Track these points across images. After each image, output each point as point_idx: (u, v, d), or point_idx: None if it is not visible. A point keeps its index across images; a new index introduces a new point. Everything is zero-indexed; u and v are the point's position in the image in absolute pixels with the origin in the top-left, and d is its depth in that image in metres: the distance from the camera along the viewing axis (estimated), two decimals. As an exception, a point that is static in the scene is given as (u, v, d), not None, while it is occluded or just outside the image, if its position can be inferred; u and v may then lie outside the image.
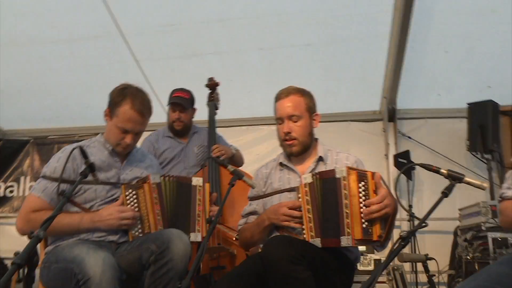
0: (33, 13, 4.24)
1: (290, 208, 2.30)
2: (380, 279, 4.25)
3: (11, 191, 5.90)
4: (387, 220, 2.17)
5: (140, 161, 2.67)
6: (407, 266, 4.49)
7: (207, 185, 2.59)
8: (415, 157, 4.71)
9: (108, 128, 2.53)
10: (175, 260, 2.14)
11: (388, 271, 4.25)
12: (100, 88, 4.75)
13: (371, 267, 4.25)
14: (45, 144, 5.89)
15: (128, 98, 2.43)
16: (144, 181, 2.45)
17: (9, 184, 5.92)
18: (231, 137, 4.17)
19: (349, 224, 2.14)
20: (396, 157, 4.81)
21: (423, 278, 4.15)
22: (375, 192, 2.17)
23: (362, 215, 2.13)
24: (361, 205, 2.14)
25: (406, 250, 4.43)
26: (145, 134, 4.00)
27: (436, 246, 4.51)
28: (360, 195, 2.15)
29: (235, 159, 3.69)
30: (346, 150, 2.59)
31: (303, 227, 2.25)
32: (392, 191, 2.23)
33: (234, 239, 3.09)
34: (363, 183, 2.16)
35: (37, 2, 4.15)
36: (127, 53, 4.66)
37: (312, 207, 2.24)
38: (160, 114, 5.40)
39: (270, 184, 2.56)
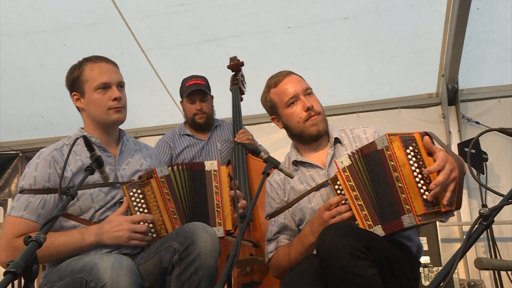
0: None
1: (330, 207, 2.17)
2: (456, 296, 4.11)
3: (-4, 218, 5.34)
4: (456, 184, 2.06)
5: (135, 149, 2.55)
6: (487, 283, 4.16)
7: (223, 168, 2.45)
8: (486, 147, 4.38)
9: (88, 104, 2.39)
10: (203, 255, 2.03)
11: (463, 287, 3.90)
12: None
13: (439, 282, 3.83)
14: (38, 159, 5.46)
15: (85, 60, 2.41)
16: (149, 176, 2.34)
17: (-7, 209, 5.42)
18: (258, 137, 3.89)
19: (407, 199, 2.01)
20: (461, 146, 4.45)
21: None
22: (430, 155, 2.06)
23: (419, 185, 2.01)
24: (415, 173, 2.02)
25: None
26: (158, 138, 3.88)
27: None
28: (411, 162, 2.04)
29: None
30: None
31: (356, 219, 2.14)
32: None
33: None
34: (411, 147, 2.06)
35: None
36: (130, 41, 4.41)
37: (359, 192, 2.14)
38: (173, 112, 5.01)
39: (291, 189, 2.42)
